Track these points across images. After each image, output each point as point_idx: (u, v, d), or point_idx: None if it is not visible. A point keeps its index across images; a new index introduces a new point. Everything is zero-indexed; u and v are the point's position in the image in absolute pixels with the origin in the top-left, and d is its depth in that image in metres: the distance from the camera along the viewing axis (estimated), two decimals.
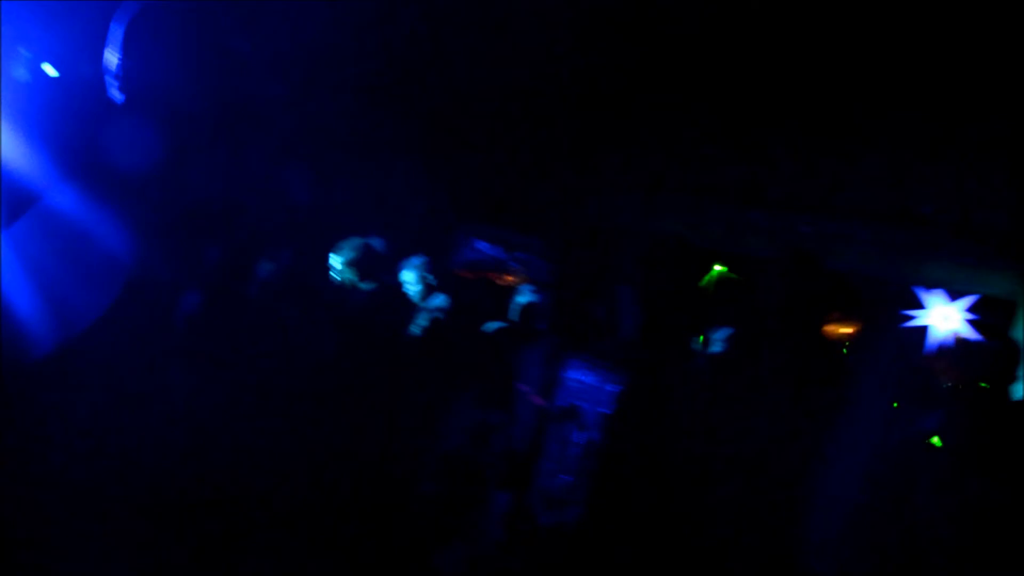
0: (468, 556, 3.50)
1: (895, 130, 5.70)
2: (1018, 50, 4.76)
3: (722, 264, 7.19)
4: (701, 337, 4.50)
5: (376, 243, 5.56)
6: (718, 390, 3.66)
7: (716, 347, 4.26)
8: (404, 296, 4.93)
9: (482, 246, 6.76)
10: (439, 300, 4.74)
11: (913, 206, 6.08)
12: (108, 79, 3.95)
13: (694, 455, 3.43)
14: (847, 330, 5.86)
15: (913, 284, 6.15)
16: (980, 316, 5.96)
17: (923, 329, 6.03)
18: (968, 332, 5.99)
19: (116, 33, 3.98)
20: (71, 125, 4.01)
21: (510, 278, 5.91)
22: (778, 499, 3.40)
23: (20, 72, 4.00)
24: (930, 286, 6.11)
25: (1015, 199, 5.49)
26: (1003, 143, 5.32)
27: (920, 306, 6.17)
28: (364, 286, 5.00)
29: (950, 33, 4.86)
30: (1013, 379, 3.83)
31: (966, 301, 5.97)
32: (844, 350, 5.29)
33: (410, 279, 4.96)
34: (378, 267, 5.23)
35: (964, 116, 5.33)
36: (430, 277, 4.94)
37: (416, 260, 5.04)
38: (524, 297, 5.19)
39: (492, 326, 4.24)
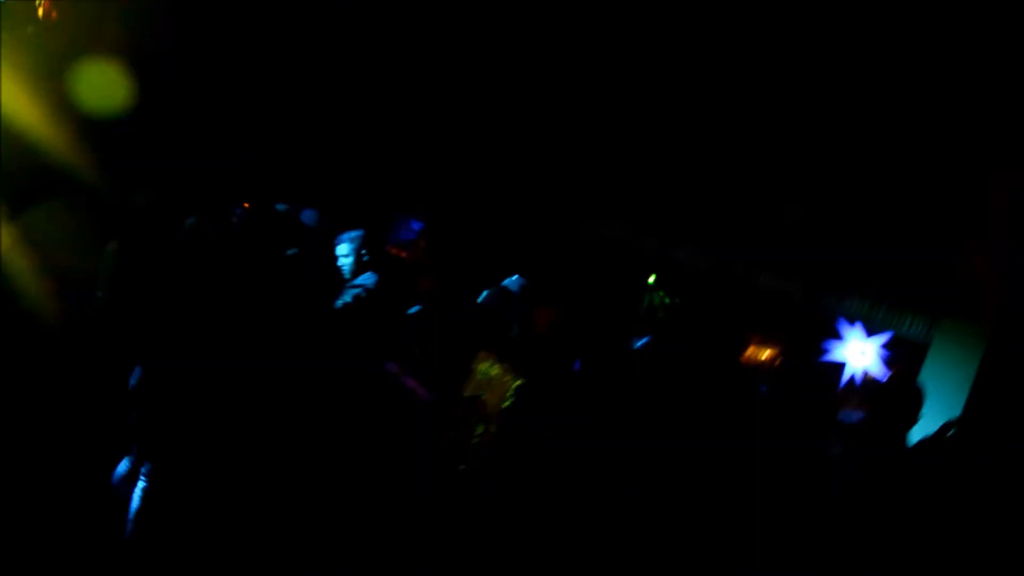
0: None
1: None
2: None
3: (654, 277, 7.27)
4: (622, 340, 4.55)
5: (308, 215, 5.49)
6: (626, 396, 3.71)
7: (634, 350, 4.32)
8: (335, 270, 4.88)
9: (418, 227, 6.76)
10: (368, 278, 4.68)
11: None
12: None
13: (588, 457, 3.47)
14: (766, 353, 6.01)
15: (836, 317, 6.31)
16: (892, 355, 6.14)
17: (839, 362, 6.18)
18: (879, 370, 6.15)
19: None
20: None
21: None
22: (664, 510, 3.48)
23: None
24: (851, 320, 6.28)
25: (926, 250, 5.76)
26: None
27: (839, 338, 6.32)
28: (291, 253, 4.94)
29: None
30: (913, 421, 3.96)
31: (881, 339, 6.15)
32: (760, 372, 5.42)
33: (344, 252, 4.90)
34: (310, 238, 5.17)
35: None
36: (363, 252, 4.89)
37: (352, 234, 4.98)
38: (511, 283, 5.19)
39: (414, 310, 4.21)
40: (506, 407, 3.66)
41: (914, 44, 5.82)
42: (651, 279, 6.93)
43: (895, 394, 4.00)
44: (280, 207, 5.82)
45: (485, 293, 4.86)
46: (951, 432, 3.84)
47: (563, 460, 3.48)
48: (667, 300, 6.73)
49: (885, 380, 5.60)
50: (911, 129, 5.94)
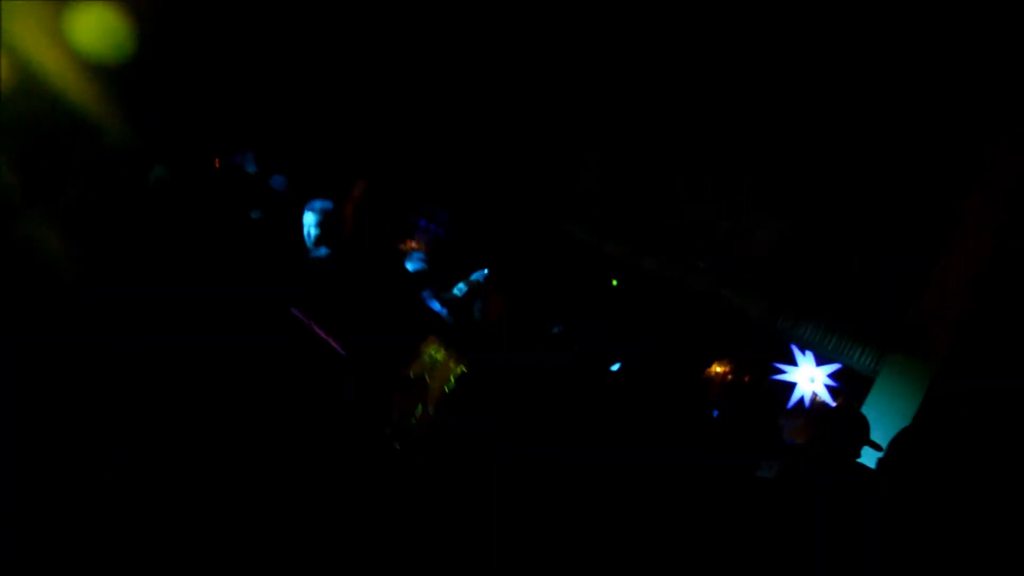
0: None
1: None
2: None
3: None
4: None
5: (277, 181, 5.44)
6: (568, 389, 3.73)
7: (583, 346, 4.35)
8: (298, 238, 4.83)
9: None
10: (324, 251, 4.65)
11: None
12: None
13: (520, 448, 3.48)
14: (721, 369, 6.06)
15: (789, 340, 6.39)
16: (840, 385, 6.23)
17: (789, 384, 6.26)
18: (826, 397, 6.23)
19: None
20: None
21: (407, 241, 5.87)
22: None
23: None
24: (804, 347, 6.36)
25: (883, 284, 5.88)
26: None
27: (793, 362, 6.40)
28: (255, 216, 4.87)
29: None
30: (856, 452, 4.03)
31: (830, 368, 6.24)
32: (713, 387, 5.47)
33: (309, 222, 4.85)
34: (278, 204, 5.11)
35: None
36: (329, 224, 4.84)
37: (319, 204, 4.93)
38: (412, 264, 5.17)
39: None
40: (448, 391, 3.65)
41: (879, 62, 5.95)
42: (614, 283, 6.96)
43: (839, 422, 4.07)
44: (250, 169, 5.76)
45: (461, 285, 4.89)
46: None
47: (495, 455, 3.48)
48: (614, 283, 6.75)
49: (832, 407, 5.70)
50: (881, 160, 6.07)
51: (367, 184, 5.55)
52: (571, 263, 6.84)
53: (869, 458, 3.92)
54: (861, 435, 3.99)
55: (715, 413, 4.87)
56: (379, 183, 6.29)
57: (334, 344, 3.49)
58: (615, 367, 5.06)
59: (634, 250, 7.04)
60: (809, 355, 6.34)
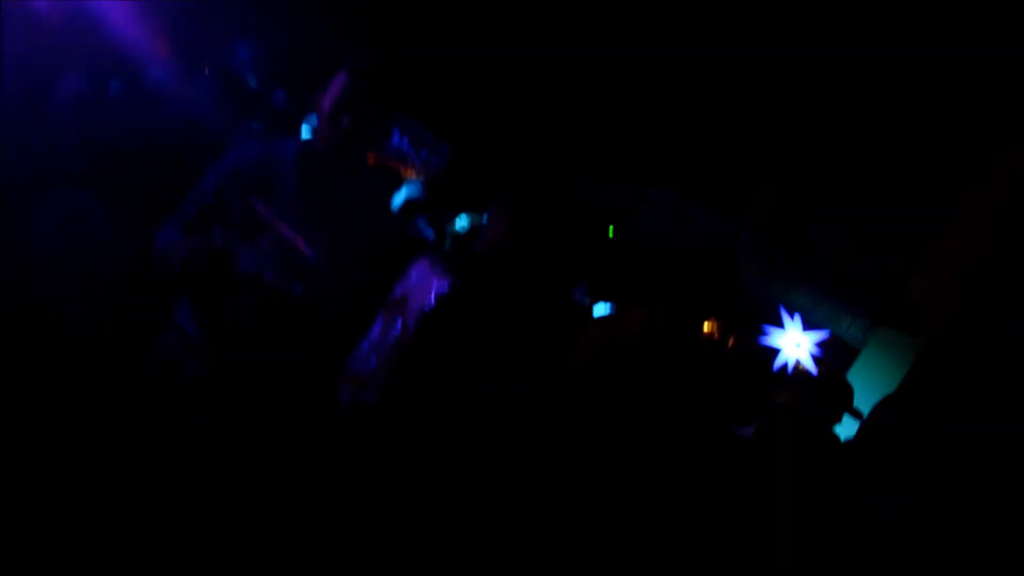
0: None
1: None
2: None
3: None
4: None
5: (280, 95, 5.31)
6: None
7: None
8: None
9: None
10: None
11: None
12: None
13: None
14: (707, 327, 6.05)
15: (779, 304, 6.38)
16: (824, 353, 6.24)
17: (774, 348, 6.26)
18: (809, 364, 6.24)
19: None
20: None
21: (405, 170, 5.78)
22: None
23: None
24: (792, 311, 6.35)
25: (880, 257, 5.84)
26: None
27: (780, 325, 6.39)
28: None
29: None
30: (838, 417, 4.03)
31: (817, 335, 6.25)
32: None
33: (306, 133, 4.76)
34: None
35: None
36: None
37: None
38: (409, 190, 5.09)
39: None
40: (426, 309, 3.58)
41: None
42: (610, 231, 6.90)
43: (824, 385, 4.07)
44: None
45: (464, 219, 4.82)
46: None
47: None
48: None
49: (815, 375, 5.72)
50: (884, 132, 5.99)
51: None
52: (570, 211, 6.75)
53: (849, 426, 3.93)
54: (845, 400, 3.99)
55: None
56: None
57: (300, 246, 3.34)
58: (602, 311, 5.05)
59: (632, 199, 6.98)
60: (797, 320, 6.34)
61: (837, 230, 6.22)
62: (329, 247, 3.34)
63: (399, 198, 4.87)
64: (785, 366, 6.09)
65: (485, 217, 4.92)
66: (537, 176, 7.05)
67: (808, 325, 6.21)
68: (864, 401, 4.67)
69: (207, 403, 3.28)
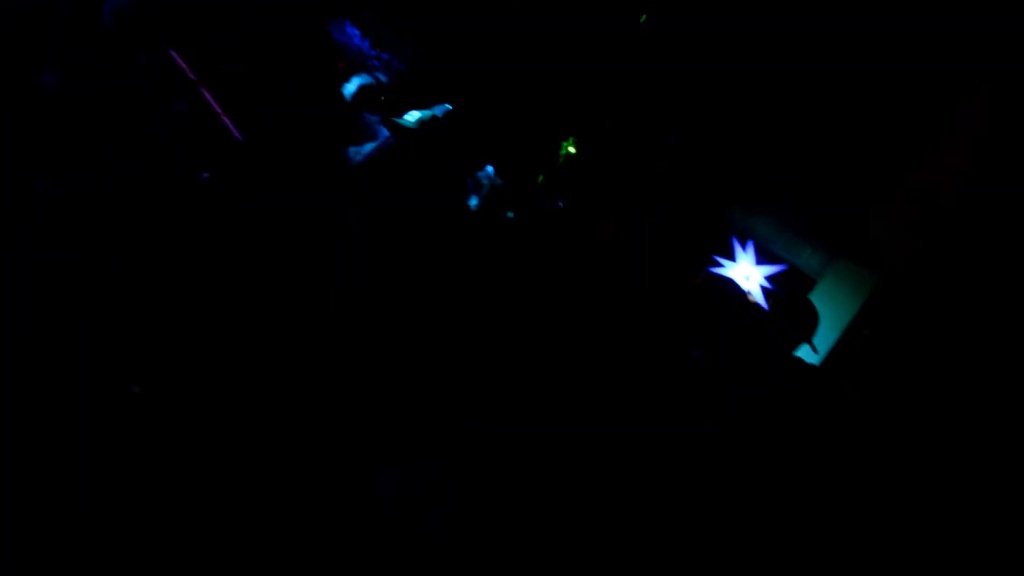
0: None
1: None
2: None
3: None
4: None
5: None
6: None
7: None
8: None
9: (352, 32, 6.35)
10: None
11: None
12: None
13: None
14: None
15: (732, 234, 6.35)
16: (777, 286, 6.26)
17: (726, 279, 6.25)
18: (759, 298, 6.25)
19: None
20: None
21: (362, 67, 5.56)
22: None
23: None
24: (751, 238, 6.33)
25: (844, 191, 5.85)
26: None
27: (731, 257, 6.38)
28: None
29: None
30: (796, 345, 4.02)
31: (769, 269, 6.26)
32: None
33: None
34: None
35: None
36: None
37: None
38: (357, 82, 4.94)
39: None
40: None
41: None
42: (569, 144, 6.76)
43: (792, 309, 4.03)
44: None
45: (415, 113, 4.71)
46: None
47: None
48: (572, 150, 6.53)
49: (767, 308, 5.73)
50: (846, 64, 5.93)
51: None
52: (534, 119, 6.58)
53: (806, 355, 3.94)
54: (810, 328, 3.96)
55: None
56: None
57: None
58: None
59: (597, 109, 6.77)
60: (750, 251, 6.32)
61: (797, 165, 6.19)
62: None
63: (347, 89, 4.80)
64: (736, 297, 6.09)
65: (433, 112, 4.82)
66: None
67: (763, 258, 6.21)
68: (820, 332, 4.70)
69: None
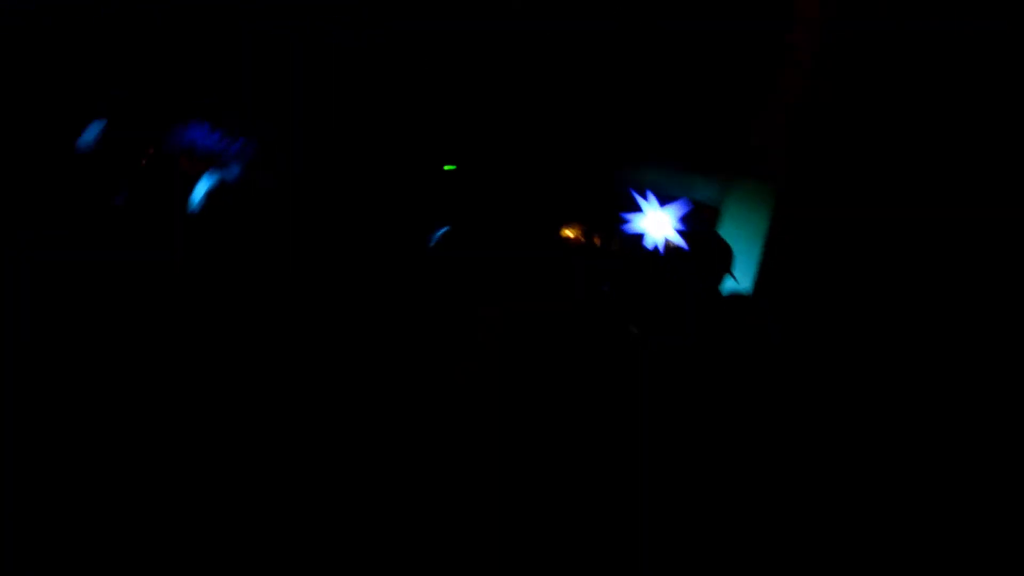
0: None
1: None
2: None
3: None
4: None
5: None
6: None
7: None
8: None
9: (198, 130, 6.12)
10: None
11: None
12: None
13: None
14: (571, 233, 5.89)
15: (630, 187, 6.28)
16: (688, 225, 6.19)
17: (639, 233, 6.17)
18: (677, 239, 6.18)
19: None
20: None
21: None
22: None
23: None
24: (642, 191, 6.26)
25: (715, 109, 5.80)
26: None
27: (637, 209, 6.29)
28: None
29: None
30: (720, 279, 3.97)
31: (676, 208, 6.18)
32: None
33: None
34: None
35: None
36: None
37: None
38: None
39: None
40: None
41: None
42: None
43: (697, 257, 3.98)
44: None
45: None
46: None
47: None
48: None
49: (686, 246, 5.68)
50: None
51: None
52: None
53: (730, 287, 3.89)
54: (725, 262, 3.92)
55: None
56: None
57: None
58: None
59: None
60: (652, 199, 6.24)
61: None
62: None
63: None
64: (656, 248, 6.01)
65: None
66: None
67: (665, 200, 6.13)
68: (737, 257, 4.66)
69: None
